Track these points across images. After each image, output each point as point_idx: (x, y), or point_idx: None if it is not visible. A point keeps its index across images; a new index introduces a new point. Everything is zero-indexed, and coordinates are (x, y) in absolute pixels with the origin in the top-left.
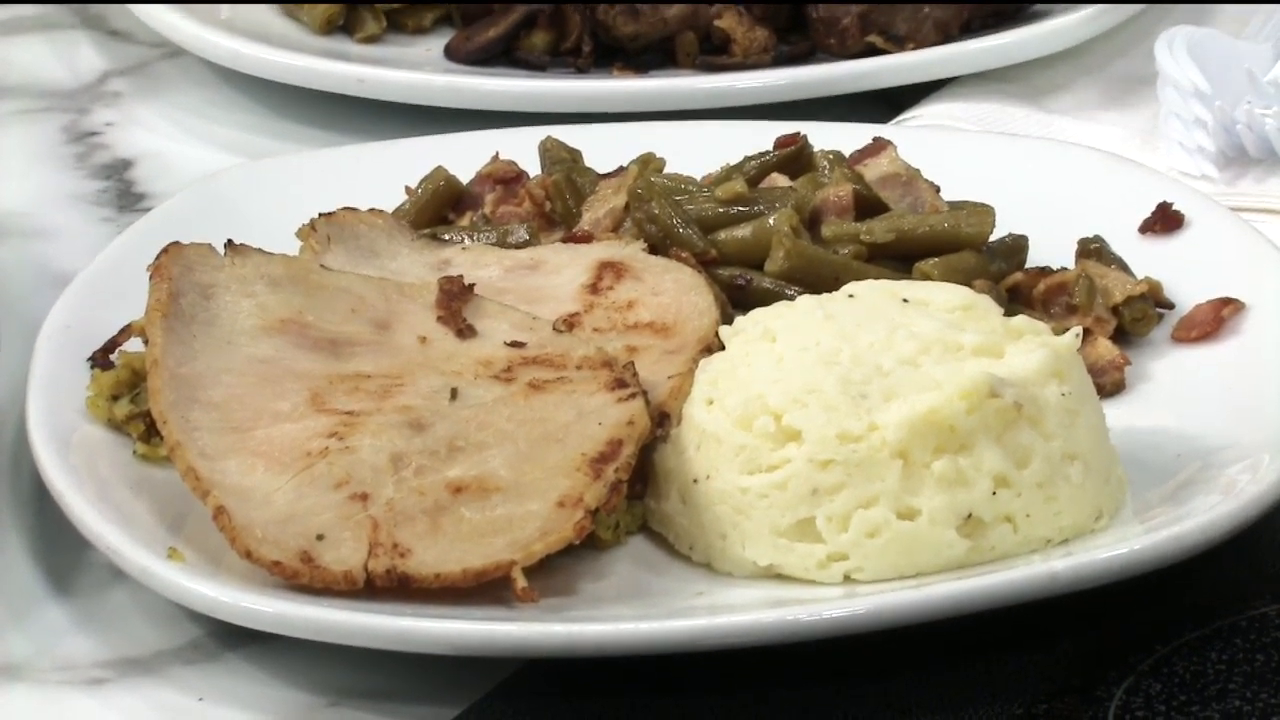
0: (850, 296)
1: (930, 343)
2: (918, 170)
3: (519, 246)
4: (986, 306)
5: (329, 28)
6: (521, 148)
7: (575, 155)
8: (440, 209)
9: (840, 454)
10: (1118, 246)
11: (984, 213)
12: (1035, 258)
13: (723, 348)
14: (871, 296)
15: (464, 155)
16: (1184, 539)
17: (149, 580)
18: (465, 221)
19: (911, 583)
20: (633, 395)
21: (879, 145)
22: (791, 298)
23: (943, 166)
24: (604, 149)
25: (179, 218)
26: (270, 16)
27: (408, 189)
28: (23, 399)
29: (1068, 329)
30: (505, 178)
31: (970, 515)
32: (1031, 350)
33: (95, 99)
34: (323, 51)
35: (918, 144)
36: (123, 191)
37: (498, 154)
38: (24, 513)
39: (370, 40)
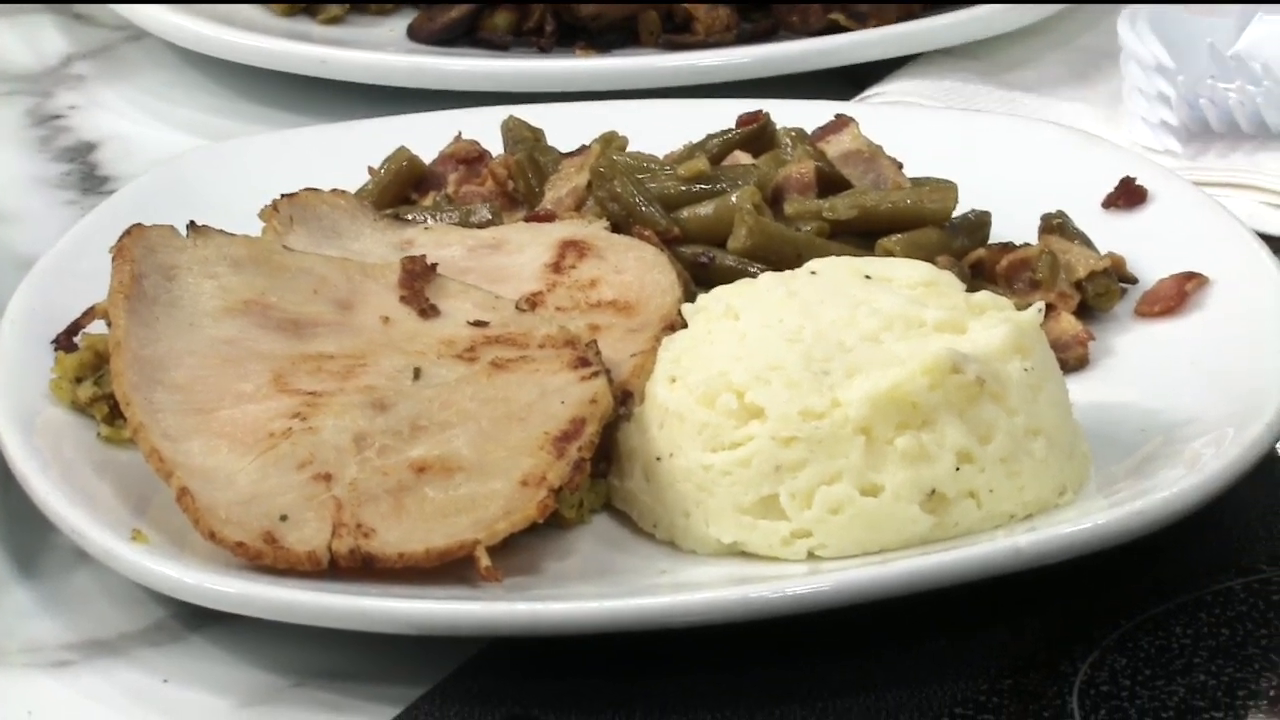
0: (813, 273)
1: (893, 319)
2: (880, 147)
3: (481, 226)
4: (949, 282)
5: (292, 9)
6: (484, 127)
7: (538, 134)
8: (403, 189)
9: (803, 431)
10: (1081, 222)
11: (946, 189)
12: (999, 233)
13: (685, 325)
14: (834, 273)
15: (427, 135)
16: (1148, 513)
17: (113, 562)
18: (428, 201)
19: (876, 559)
20: (595, 374)
21: (841, 122)
22: (754, 275)
23: (905, 143)
24: (567, 128)
25: (142, 200)
26: None
27: (370, 169)
28: None
29: (1031, 304)
30: (468, 158)
31: (934, 491)
32: (994, 326)
33: (59, 82)
34: (286, 33)
35: (880, 121)
36: (86, 174)
37: (460, 134)
38: None
39: (333, 21)
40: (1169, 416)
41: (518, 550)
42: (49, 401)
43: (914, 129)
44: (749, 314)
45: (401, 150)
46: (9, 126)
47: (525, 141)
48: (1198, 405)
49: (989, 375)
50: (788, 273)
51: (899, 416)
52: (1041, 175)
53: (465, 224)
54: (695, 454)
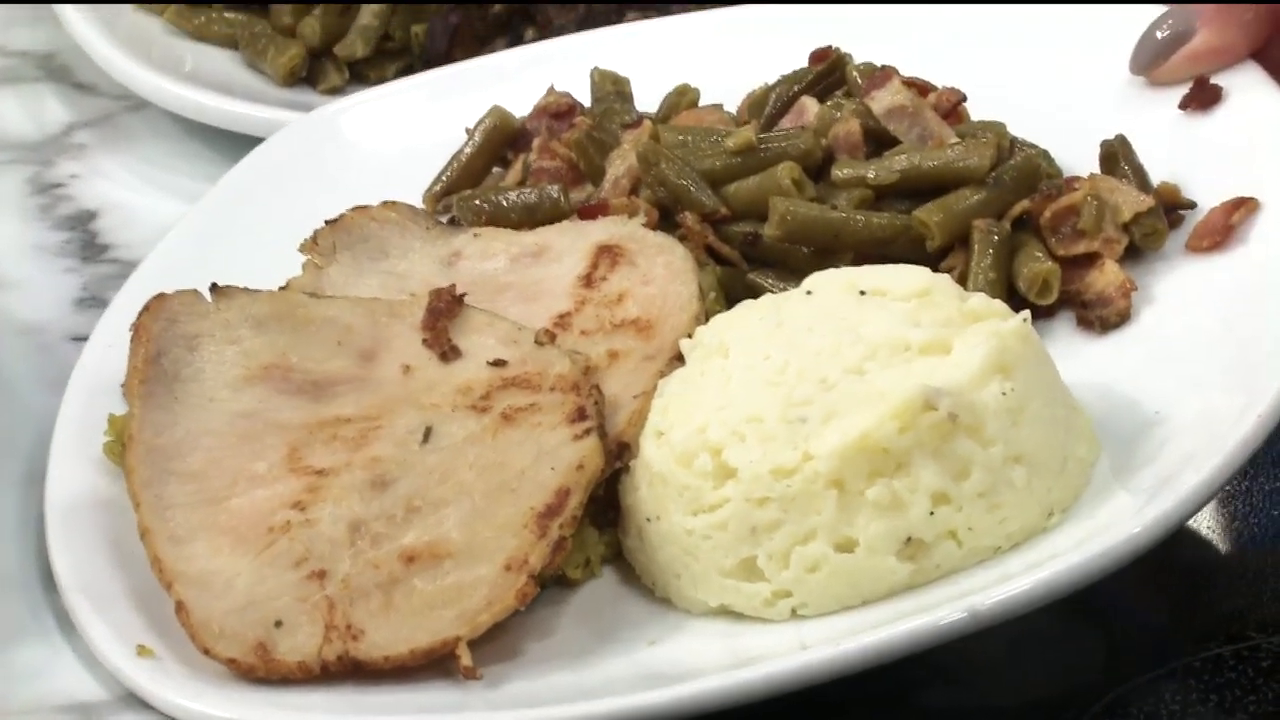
0: (808, 293)
1: (877, 347)
2: (923, 101)
3: (551, 205)
4: (944, 289)
5: (292, 79)
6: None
7: (620, 85)
8: (498, 148)
9: (775, 490)
10: (1155, 125)
11: (984, 145)
12: (1064, 146)
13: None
14: (829, 292)
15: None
16: (1109, 554)
17: (120, 679)
18: (518, 166)
19: (852, 615)
20: (588, 431)
21: (885, 75)
22: (797, 251)
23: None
24: (657, 50)
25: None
26: (233, 68)
27: (467, 130)
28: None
29: (1051, 271)
30: (559, 111)
31: (910, 538)
32: (976, 345)
33: (60, 151)
34: (285, 103)
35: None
36: (87, 242)
37: (552, 86)
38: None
39: (333, 91)
40: (1179, 404)
41: (502, 633)
42: (104, 468)
43: (988, 26)
44: (737, 350)
45: (495, 109)
46: (10, 194)
47: (606, 97)
48: (1209, 391)
49: (963, 409)
50: (783, 295)
51: (870, 465)
52: (1119, 80)
53: (534, 206)
54: (678, 517)
